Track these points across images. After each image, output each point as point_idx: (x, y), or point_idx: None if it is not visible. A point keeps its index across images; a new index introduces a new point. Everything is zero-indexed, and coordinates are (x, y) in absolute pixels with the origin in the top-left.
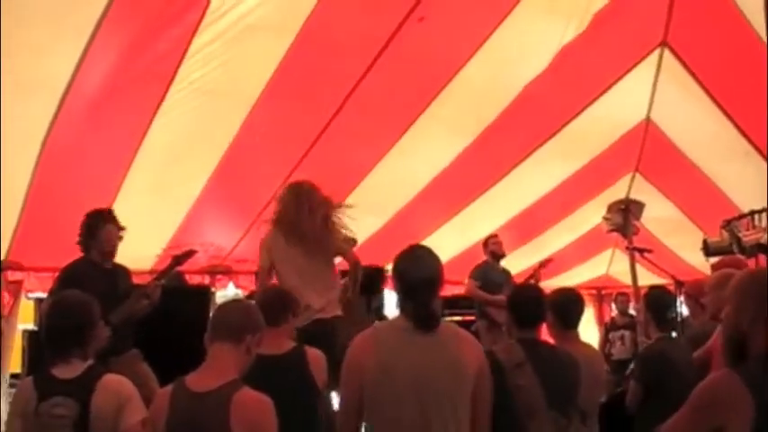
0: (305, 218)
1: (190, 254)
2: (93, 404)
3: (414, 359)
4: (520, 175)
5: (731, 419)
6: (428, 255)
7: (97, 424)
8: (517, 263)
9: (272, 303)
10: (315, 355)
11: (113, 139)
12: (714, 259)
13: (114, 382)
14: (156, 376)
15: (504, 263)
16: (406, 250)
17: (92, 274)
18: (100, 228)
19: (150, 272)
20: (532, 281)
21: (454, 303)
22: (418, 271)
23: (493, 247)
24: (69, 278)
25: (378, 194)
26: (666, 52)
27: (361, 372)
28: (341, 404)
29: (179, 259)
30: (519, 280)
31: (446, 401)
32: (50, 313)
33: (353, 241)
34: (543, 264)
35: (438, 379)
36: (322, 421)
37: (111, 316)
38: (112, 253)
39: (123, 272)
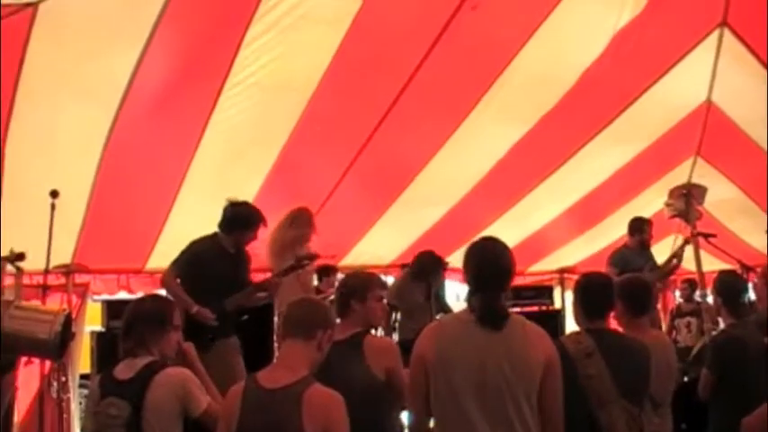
0: None
1: (312, 257)
2: (147, 402)
3: (474, 353)
4: (579, 161)
5: None
6: (498, 248)
7: (151, 422)
8: (576, 251)
9: None
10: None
11: (172, 139)
12: None
13: (170, 377)
14: None
15: (557, 253)
16: (475, 243)
17: (216, 257)
18: (252, 228)
19: None
20: (675, 261)
21: (517, 293)
22: (486, 265)
23: (642, 237)
24: (194, 255)
25: (436, 185)
26: (726, 32)
27: (424, 363)
28: (410, 395)
29: (301, 261)
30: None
31: (508, 397)
32: (127, 314)
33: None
34: (687, 242)
35: (499, 374)
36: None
37: (226, 302)
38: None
39: (245, 259)
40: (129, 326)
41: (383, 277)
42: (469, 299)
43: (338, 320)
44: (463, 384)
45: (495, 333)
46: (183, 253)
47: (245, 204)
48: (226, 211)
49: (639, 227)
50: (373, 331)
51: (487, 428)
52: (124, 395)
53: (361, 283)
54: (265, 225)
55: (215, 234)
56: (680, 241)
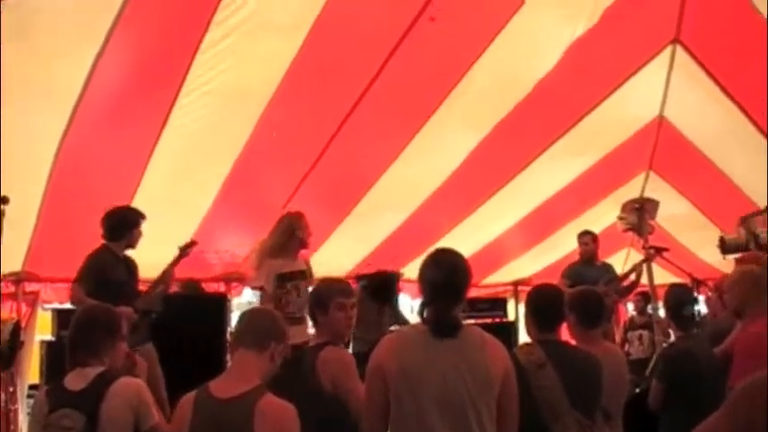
0: None
1: (192, 244)
2: (102, 413)
3: (436, 365)
4: (532, 173)
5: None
6: (454, 260)
7: (110, 428)
8: (530, 263)
9: None
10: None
11: (127, 146)
12: (731, 257)
13: (124, 387)
14: (174, 383)
15: (511, 265)
16: (431, 255)
17: (114, 263)
18: (136, 226)
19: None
20: (634, 276)
21: (471, 305)
22: (441, 277)
23: (579, 248)
24: (95, 265)
25: (392, 195)
26: (679, 49)
27: (383, 376)
28: (365, 410)
29: (183, 249)
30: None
31: (470, 408)
32: (73, 324)
33: None
34: (646, 259)
35: (461, 385)
36: None
37: (136, 303)
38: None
39: (133, 262)
40: (79, 335)
41: None
42: (421, 310)
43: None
44: (425, 395)
45: (455, 344)
46: (84, 268)
47: (119, 208)
48: (106, 220)
49: (578, 239)
50: None
51: None
52: (78, 406)
53: (321, 292)
54: (144, 218)
55: (104, 245)
56: (639, 258)
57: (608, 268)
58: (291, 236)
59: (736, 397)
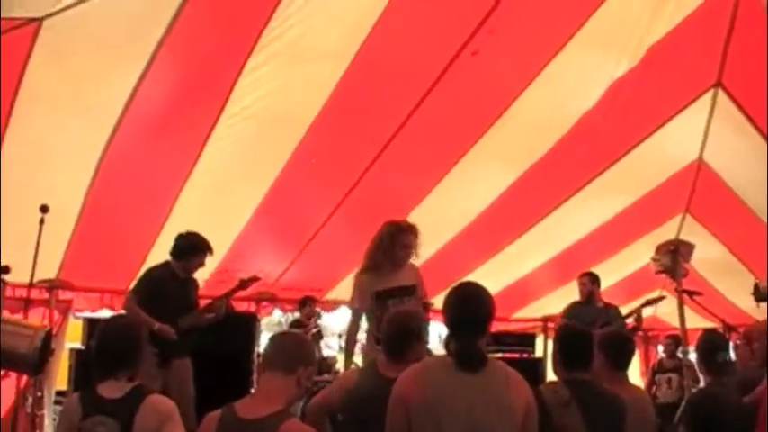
0: None
1: (255, 279)
2: (135, 424)
3: (461, 398)
4: (567, 211)
5: None
6: (477, 293)
7: None
8: (561, 300)
9: None
10: None
11: (166, 163)
12: (765, 304)
13: (157, 402)
14: (201, 400)
15: (542, 301)
16: (455, 287)
17: (169, 281)
18: (198, 255)
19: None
20: (632, 319)
21: (499, 339)
22: (464, 309)
23: (579, 288)
24: (150, 280)
25: (425, 226)
26: (720, 93)
27: (406, 406)
28: None
29: (245, 283)
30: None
31: None
32: (101, 334)
33: None
34: (650, 302)
35: (486, 419)
36: None
37: (180, 321)
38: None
39: (194, 283)
40: (106, 346)
41: None
42: (447, 342)
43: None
44: (450, 428)
45: (481, 378)
46: (140, 280)
47: (193, 234)
48: (177, 239)
49: (577, 279)
50: None
51: None
52: (114, 414)
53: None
54: (211, 253)
55: (167, 262)
56: (641, 302)
57: (608, 310)
58: (386, 250)
59: None
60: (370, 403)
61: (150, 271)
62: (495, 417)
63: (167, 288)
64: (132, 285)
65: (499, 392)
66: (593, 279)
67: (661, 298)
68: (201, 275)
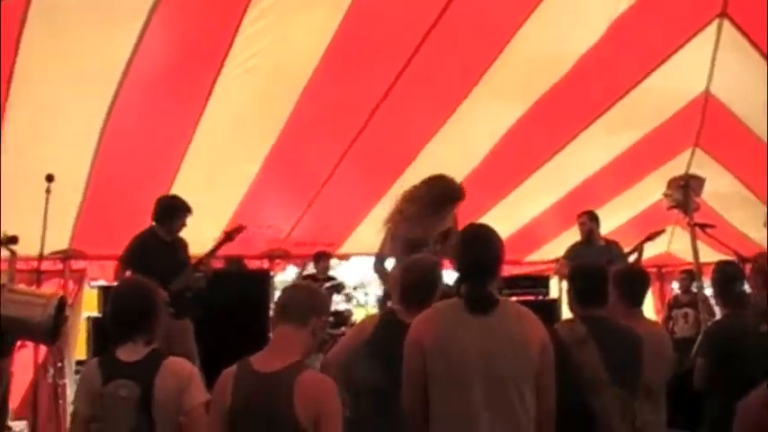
0: None
1: (239, 229)
2: (155, 386)
3: (474, 340)
4: (575, 150)
5: None
6: (486, 236)
7: (160, 405)
8: (573, 240)
9: None
10: None
11: (170, 123)
12: None
13: (177, 365)
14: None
15: (554, 243)
16: (464, 230)
17: (156, 246)
18: (178, 216)
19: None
20: (635, 256)
21: (513, 283)
22: (474, 253)
23: (579, 228)
24: (136, 248)
25: (434, 168)
26: (726, 23)
27: (421, 351)
28: (405, 384)
29: (230, 235)
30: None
31: (509, 382)
32: (116, 298)
33: None
34: (651, 236)
35: (500, 360)
36: None
37: (171, 284)
38: (177, 235)
39: (182, 244)
40: (120, 311)
41: None
42: (457, 286)
43: None
44: (465, 370)
45: (493, 319)
46: (127, 248)
47: (171, 196)
48: (156, 204)
49: (577, 219)
50: None
51: (489, 415)
52: (134, 377)
53: None
54: (190, 212)
55: (151, 227)
56: (684, 235)
57: (610, 248)
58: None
59: None
60: (392, 349)
61: (136, 238)
62: (509, 357)
63: (154, 252)
64: (121, 254)
65: (511, 331)
66: (592, 217)
67: (662, 231)
68: (211, 234)
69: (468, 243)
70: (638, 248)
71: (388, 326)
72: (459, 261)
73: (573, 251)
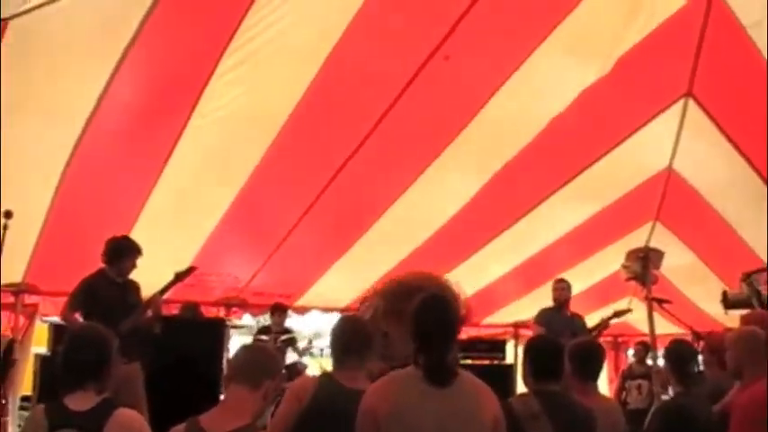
0: None
1: (190, 270)
2: None
3: (430, 411)
4: (538, 216)
5: None
6: (443, 303)
7: None
8: (532, 305)
9: None
10: None
11: (135, 166)
12: (733, 312)
13: (126, 417)
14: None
15: (513, 306)
16: (423, 298)
17: (105, 287)
18: (128, 257)
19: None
20: (599, 330)
21: (470, 346)
22: (431, 322)
23: (555, 294)
24: (86, 289)
25: (396, 230)
26: (691, 102)
27: (375, 421)
28: None
29: (180, 276)
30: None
31: None
32: (70, 344)
33: None
34: (618, 314)
35: (455, 430)
36: None
37: (120, 325)
38: (127, 276)
39: (133, 286)
40: (74, 356)
41: None
42: (415, 355)
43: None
44: None
45: (449, 390)
46: (76, 288)
47: (121, 237)
48: (106, 245)
49: (555, 284)
50: None
51: None
52: (82, 427)
53: None
54: (140, 253)
55: (101, 268)
56: (608, 314)
57: (575, 320)
58: None
59: None
60: (333, 416)
61: (85, 279)
62: (463, 428)
63: (104, 293)
64: (70, 294)
65: (468, 406)
66: (569, 286)
67: (628, 311)
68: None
69: (426, 312)
70: (603, 325)
71: (327, 391)
72: (417, 328)
73: (544, 316)
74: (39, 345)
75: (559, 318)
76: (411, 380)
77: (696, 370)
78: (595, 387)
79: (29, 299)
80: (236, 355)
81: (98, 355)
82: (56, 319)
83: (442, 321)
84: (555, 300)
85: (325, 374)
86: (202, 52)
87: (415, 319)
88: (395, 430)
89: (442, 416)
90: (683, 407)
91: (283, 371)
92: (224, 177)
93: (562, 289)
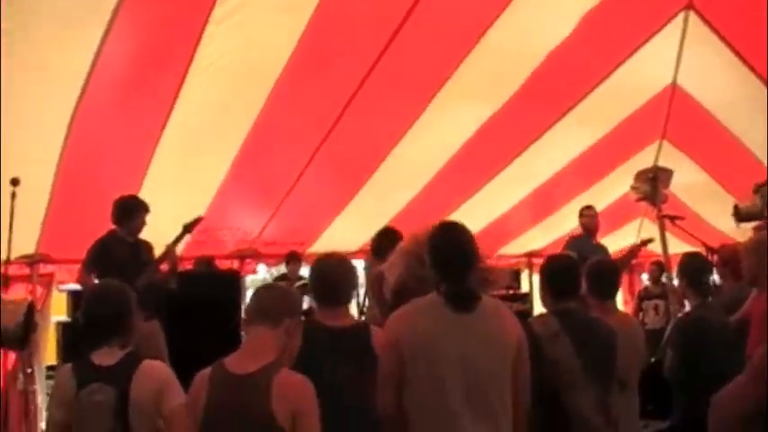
0: None
1: (198, 220)
2: (132, 390)
3: (455, 337)
4: (544, 144)
5: None
6: (463, 231)
7: (136, 410)
8: (543, 234)
9: None
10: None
11: (136, 126)
12: (746, 225)
13: (153, 368)
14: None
15: (525, 237)
16: (440, 226)
17: (118, 247)
18: (137, 215)
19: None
20: (627, 259)
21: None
22: (451, 249)
23: (584, 221)
24: (98, 250)
25: (403, 170)
26: (692, 15)
27: (399, 347)
28: (381, 387)
29: (188, 226)
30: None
31: (490, 378)
32: (90, 301)
33: None
34: (645, 242)
35: (480, 356)
36: None
37: (136, 282)
38: (138, 234)
39: (145, 245)
40: (95, 314)
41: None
42: (437, 284)
43: None
44: (445, 367)
45: (472, 315)
46: (89, 251)
47: (127, 196)
48: (114, 206)
49: (584, 212)
50: None
51: (470, 416)
52: (110, 381)
53: None
54: (148, 211)
55: (112, 230)
56: (652, 228)
57: (603, 249)
58: None
59: (757, 363)
60: (318, 358)
61: (97, 241)
62: (489, 353)
63: (117, 253)
64: (84, 258)
65: (491, 329)
66: (589, 210)
67: (650, 240)
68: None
69: (444, 240)
70: (633, 254)
71: (310, 333)
72: (437, 258)
73: (574, 243)
74: (58, 314)
75: (590, 245)
76: (434, 307)
77: (711, 282)
78: (614, 304)
79: (44, 268)
80: (254, 295)
81: (118, 309)
82: (73, 286)
83: (461, 246)
84: (584, 226)
85: (308, 317)
86: (193, 6)
87: (434, 248)
88: (420, 358)
89: (467, 341)
90: (701, 318)
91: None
92: (226, 130)
93: (591, 216)
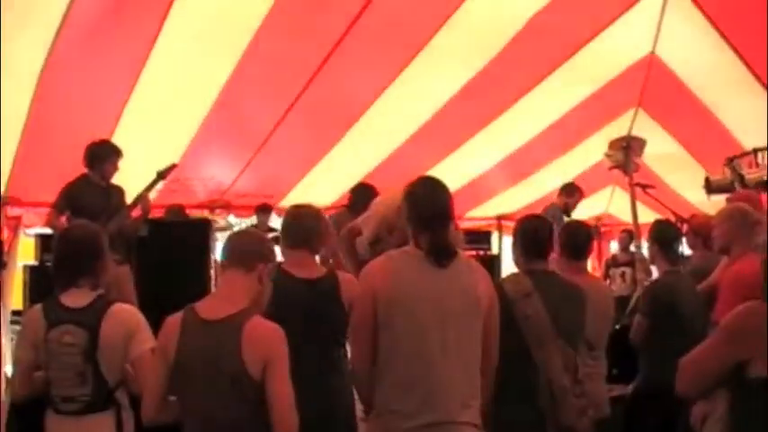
0: None
1: (172, 168)
2: (101, 332)
3: (430, 288)
4: (521, 109)
5: (760, 352)
6: (440, 186)
7: (106, 352)
8: (515, 198)
9: None
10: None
11: (111, 71)
12: (716, 197)
13: (124, 311)
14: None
15: (497, 199)
16: (422, 179)
17: (90, 191)
18: (109, 160)
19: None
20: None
21: None
22: (433, 202)
23: (570, 201)
24: (69, 193)
25: (379, 127)
26: None
27: (374, 298)
28: (352, 329)
29: (162, 173)
30: None
31: (466, 331)
32: (61, 241)
33: None
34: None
35: (455, 308)
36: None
37: (107, 226)
38: (110, 179)
39: (117, 190)
40: (66, 255)
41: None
42: (415, 237)
43: None
44: (421, 319)
45: (447, 269)
46: (60, 194)
47: (100, 141)
48: (85, 151)
49: (571, 191)
50: None
51: (445, 362)
52: (80, 323)
53: None
54: (120, 155)
55: (84, 174)
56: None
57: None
58: None
59: (730, 324)
60: (289, 306)
61: (68, 184)
62: (463, 305)
63: (88, 197)
64: (54, 201)
65: (466, 284)
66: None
67: (649, 186)
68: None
69: (426, 193)
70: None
71: (278, 282)
72: (417, 211)
73: (554, 210)
74: (25, 258)
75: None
76: (411, 259)
77: (680, 250)
78: (585, 266)
79: (11, 211)
80: (227, 241)
81: (90, 250)
82: (41, 229)
83: (441, 200)
84: (566, 205)
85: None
86: None
87: (415, 200)
88: (400, 307)
89: (445, 294)
90: (671, 284)
91: None
92: (202, 79)
93: (577, 200)
